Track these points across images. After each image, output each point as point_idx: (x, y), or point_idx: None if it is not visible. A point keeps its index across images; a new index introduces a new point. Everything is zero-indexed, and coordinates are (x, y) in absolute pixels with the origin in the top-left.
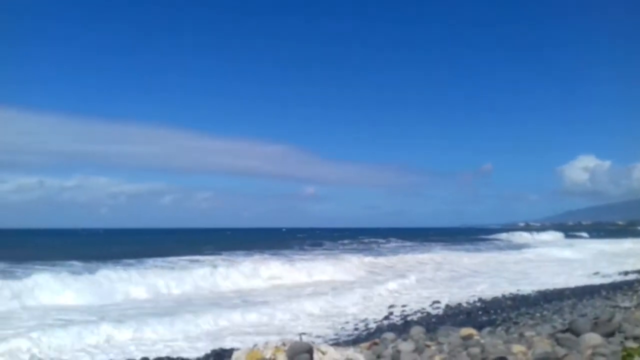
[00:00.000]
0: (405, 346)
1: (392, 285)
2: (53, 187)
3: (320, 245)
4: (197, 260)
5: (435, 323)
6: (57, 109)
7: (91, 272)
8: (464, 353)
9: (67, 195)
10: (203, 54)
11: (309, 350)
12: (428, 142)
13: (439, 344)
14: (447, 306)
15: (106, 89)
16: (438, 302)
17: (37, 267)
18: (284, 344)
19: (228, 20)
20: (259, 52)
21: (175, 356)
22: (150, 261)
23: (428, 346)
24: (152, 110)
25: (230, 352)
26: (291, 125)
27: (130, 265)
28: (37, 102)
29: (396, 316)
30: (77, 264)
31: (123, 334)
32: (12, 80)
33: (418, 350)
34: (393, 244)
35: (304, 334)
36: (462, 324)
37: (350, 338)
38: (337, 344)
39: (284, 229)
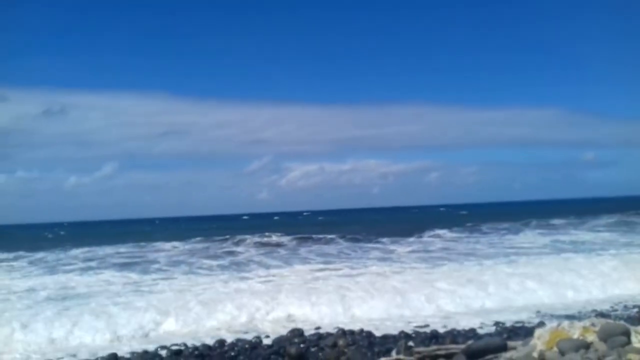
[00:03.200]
0: None
1: None
2: (332, 172)
3: None
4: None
5: None
6: (332, 101)
7: None
8: None
9: (343, 179)
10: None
11: (626, 333)
12: None
13: None
14: None
15: (376, 77)
16: None
17: None
18: (593, 325)
19: None
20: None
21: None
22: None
23: None
24: (416, 90)
25: (524, 329)
26: (564, 85)
27: None
28: (314, 97)
29: None
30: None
31: None
32: (286, 85)
33: None
34: None
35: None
36: None
37: None
38: None
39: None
